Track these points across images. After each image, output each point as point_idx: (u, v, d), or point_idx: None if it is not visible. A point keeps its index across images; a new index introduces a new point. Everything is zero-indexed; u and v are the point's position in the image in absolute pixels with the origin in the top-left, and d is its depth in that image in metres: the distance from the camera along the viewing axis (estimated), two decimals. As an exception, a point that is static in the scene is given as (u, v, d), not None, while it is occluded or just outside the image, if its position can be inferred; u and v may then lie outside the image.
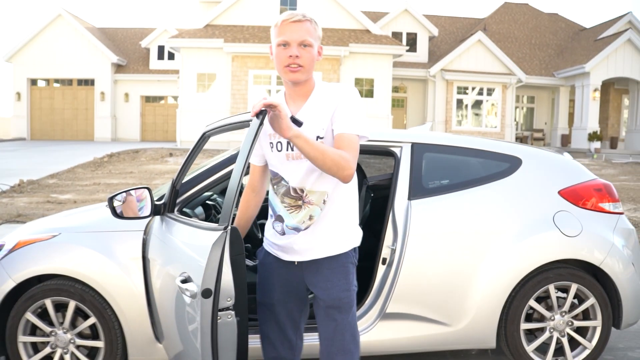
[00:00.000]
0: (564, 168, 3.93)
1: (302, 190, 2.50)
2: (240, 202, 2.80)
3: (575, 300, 3.82)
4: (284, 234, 2.57)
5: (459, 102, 27.23)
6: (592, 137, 25.99)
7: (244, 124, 2.62)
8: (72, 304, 3.44)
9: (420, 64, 27.83)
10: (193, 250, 2.54)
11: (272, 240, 2.65)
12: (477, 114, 27.50)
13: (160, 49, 32.53)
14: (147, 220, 3.40)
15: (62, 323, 3.50)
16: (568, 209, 3.75)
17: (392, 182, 3.61)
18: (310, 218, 2.51)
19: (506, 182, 3.75)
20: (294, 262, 2.60)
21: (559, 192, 3.78)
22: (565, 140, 28.67)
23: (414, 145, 3.74)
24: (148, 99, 32.94)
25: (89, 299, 3.42)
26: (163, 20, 48.03)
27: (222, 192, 4.77)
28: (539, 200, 3.76)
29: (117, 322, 3.44)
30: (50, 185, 13.06)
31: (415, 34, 28.88)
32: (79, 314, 3.53)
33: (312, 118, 2.49)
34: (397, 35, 28.57)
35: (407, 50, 27.65)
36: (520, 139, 29.72)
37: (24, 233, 3.68)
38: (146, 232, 3.39)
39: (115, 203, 3.20)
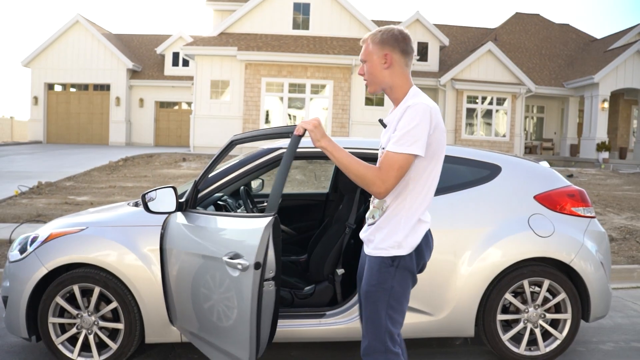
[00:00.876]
0: (540, 175, 4.32)
1: None
2: None
3: (549, 295, 4.22)
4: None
5: (469, 111, 27.51)
6: (601, 147, 26.21)
7: (269, 136, 3.16)
8: (96, 290, 3.90)
9: (431, 73, 28.19)
10: (242, 233, 3.08)
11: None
12: (486, 123, 27.77)
13: (175, 56, 33.10)
14: (165, 216, 3.84)
15: (87, 307, 3.95)
16: (542, 212, 4.15)
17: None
18: (373, 217, 2.78)
19: (486, 187, 4.16)
20: None
21: (535, 197, 4.18)
22: (574, 150, 28.88)
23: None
24: (162, 105, 33.49)
25: (112, 286, 3.87)
26: (178, 27, 48.74)
27: (233, 194, 5.21)
28: (516, 204, 4.16)
29: (137, 306, 3.89)
30: (68, 187, 13.49)
31: (427, 44, 29.25)
32: (102, 298, 3.99)
33: (390, 125, 2.71)
34: (408, 45, 28.94)
35: (418, 60, 28.12)
36: (530, 149, 29.99)
37: (56, 226, 4.13)
38: (164, 226, 3.82)
39: (147, 199, 3.66)
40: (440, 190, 4.03)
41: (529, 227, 4.07)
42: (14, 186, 12.95)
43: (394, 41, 2.70)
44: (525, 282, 4.09)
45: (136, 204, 4.42)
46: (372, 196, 2.81)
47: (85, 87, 32.80)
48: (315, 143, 2.64)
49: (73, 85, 32.88)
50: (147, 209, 3.66)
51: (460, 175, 4.20)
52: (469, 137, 27.17)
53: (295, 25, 24.61)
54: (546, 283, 4.10)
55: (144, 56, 34.55)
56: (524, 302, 4.17)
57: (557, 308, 4.20)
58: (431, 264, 3.97)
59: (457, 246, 3.99)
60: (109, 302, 3.96)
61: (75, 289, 3.89)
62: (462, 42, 32.67)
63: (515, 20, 34.00)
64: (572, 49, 32.16)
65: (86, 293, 3.98)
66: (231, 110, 23.53)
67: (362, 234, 2.88)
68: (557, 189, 4.26)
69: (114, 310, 3.97)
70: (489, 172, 4.22)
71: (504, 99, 27.29)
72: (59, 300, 3.89)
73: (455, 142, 26.94)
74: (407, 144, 2.54)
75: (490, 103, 27.36)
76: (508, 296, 4.09)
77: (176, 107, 33.69)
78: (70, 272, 3.90)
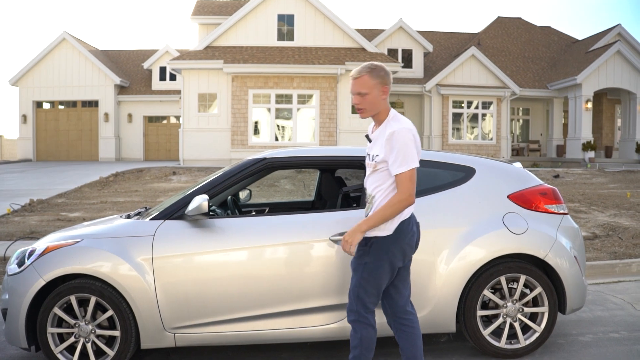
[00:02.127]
0: (513, 175, 4.53)
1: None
2: None
3: (526, 290, 4.41)
4: None
5: (455, 116, 27.78)
6: (586, 146, 26.55)
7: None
8: (92, 299, 4.05)
9: (416, 80, 28.49)
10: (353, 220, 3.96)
11: None
12: (473, 127, 28.06)
13: (162, 70, 33.23)
14: (155, 226, 4.04)
15: (84, 316, 4.11)
16: (516, 211, 4.35)
17: (363, 190, 4.21)
18: (367, 211, 3.53)
19: (462, 188, 4.36)
20: None
21: (508, 196, 4.39)
22: (561, 150, 29.19)
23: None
24: (151, 119, 33.62)
25: (107, 295, 4.03)
26: (164, 41, 48.57)
27: (221, 205, 5.39)
28: (490, 204, 4.36)
29: (132, 314, 4.05)
30: (59, 204, 13.59)
31: (411, 50, 29.57)
32: (99, 307, 4.14)
33: (376, 140, 3.44)
34: (392, 52, 29.31)
35: (403, 67, 28.35)
36: (517, 151, 30.27)
37: (52, 239, 4.30)
38: (155, 236, 4.01)
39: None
40: (419, 192, 4.22)
41: (504, 225, 4.27)
42: (6, 204, 13.06)
43: (387, 76, 3.42)
44: (503, 278, 4.27)
45: (128, 216, 4.60)
46: (366, 196, 3.55)
47: (73, 104, 32.88)
48: (356, 238, 3.36)
49: (61, 103, 32.95)
50: (207, 214, 4.02)
51: (437, 178, 4.39)
52: (456, 142, 27.44)
53: (280, 37, 24.84)
54: (522, 278, 4.29)
55: (131, 71, 34.67)
56: (503, 297, 4.36)
57: (535, 302, 4.39)
58: (411, 263, 4.18)
59: (436, 246, 4.18)
60: (105, 310, 4.12)
61: (72, 299, 4.05)
62: (446, 47, 33.03)
63: (498, 24, 34.39)
64: (555, 51, 32.57)
65: (83, 303, 4.14)
66: (219, 123, 23.71)
67: None
68: (529, 188, 4.46)
69: (110, 319, 4.13)
70: (464, 174, 4.42)
71: (490, 103, 27.58)
72: (57, 310, 4.05)
73: (442, 147, 27.21)
74: (407, 163, 3.28)
75: (476, 107, 27.66)
76: (487, 292, 4.27)
77: (165, 122, 33.81)
78: (67, 283, 4.05)
